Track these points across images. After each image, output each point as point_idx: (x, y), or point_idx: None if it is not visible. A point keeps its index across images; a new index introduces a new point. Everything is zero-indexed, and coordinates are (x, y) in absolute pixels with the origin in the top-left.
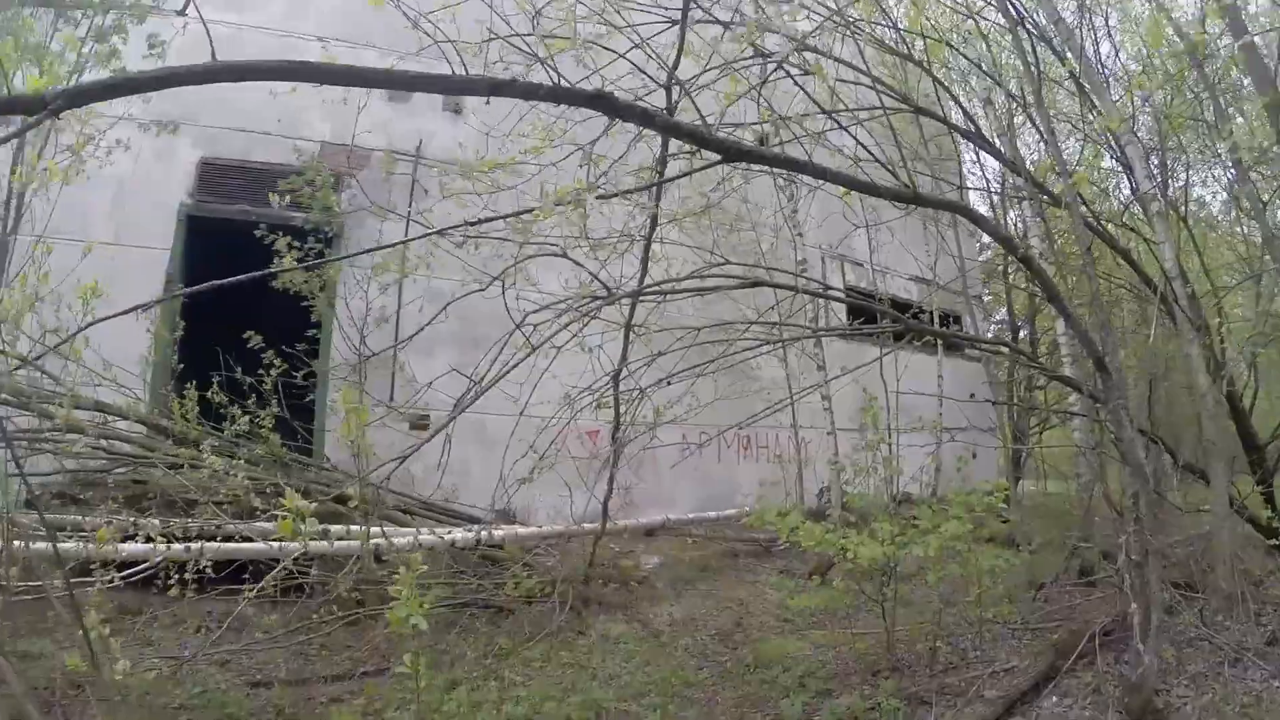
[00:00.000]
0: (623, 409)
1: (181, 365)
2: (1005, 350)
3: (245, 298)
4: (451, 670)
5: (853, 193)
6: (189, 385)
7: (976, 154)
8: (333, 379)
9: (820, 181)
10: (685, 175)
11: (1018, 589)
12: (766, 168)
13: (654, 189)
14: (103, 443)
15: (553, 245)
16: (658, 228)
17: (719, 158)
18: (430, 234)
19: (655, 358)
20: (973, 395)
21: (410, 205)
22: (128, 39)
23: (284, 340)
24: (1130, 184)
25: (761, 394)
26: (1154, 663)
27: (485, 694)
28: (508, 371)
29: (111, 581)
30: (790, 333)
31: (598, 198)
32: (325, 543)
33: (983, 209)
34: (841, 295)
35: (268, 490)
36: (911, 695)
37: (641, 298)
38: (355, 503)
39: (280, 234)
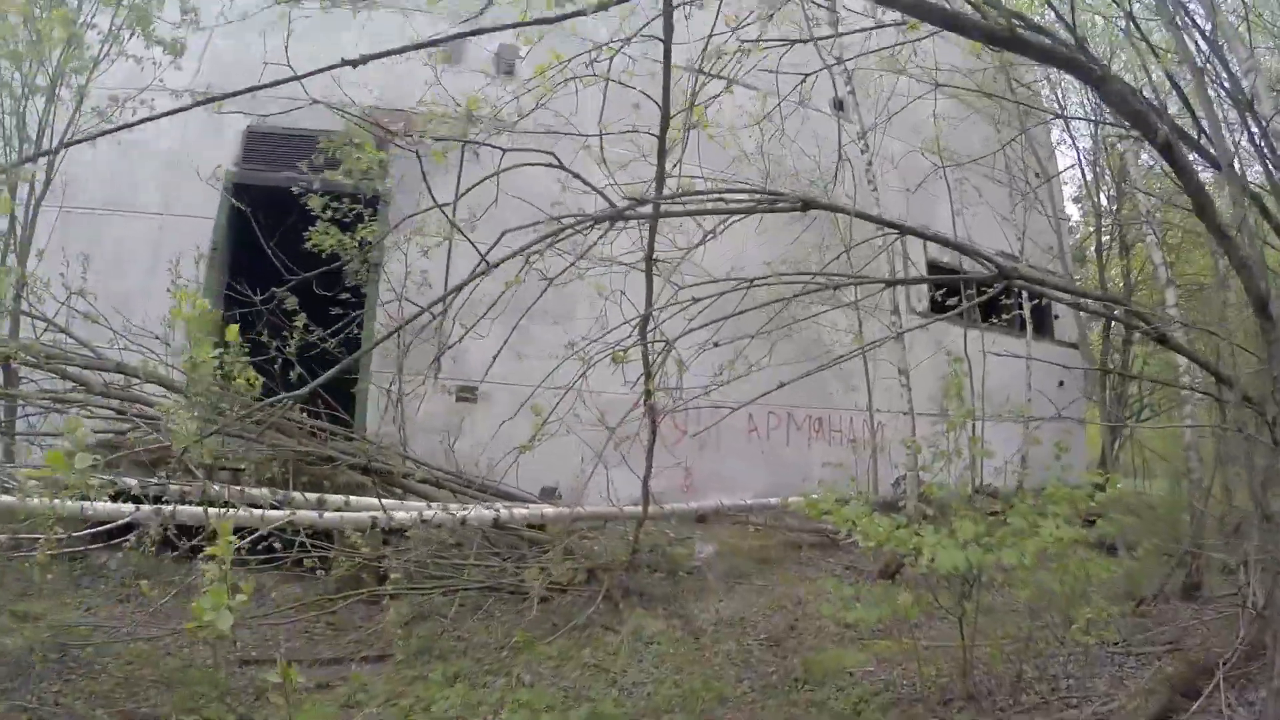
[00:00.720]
0: (651, 365)
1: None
2: (1117, 308)
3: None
4: (460, 661)
5: (936, 150)
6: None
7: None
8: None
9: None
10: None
11: (1115, 603)
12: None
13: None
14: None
15: (544, 153)
16: (676, 120)
17: None
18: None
19: (704, 307)
20: (1061, 383)
21: (460, 168)
22: (163, 5)
23: (325, 310)
24: (1254, 123)
25: (825, 355)
26: None
27: (486, 694)
28: (459, 289)
29: (60, 538)
30: (863, 288)
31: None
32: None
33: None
34: (920, 231)
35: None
36: None
37: (664, 218)
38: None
39: (317, 193)
